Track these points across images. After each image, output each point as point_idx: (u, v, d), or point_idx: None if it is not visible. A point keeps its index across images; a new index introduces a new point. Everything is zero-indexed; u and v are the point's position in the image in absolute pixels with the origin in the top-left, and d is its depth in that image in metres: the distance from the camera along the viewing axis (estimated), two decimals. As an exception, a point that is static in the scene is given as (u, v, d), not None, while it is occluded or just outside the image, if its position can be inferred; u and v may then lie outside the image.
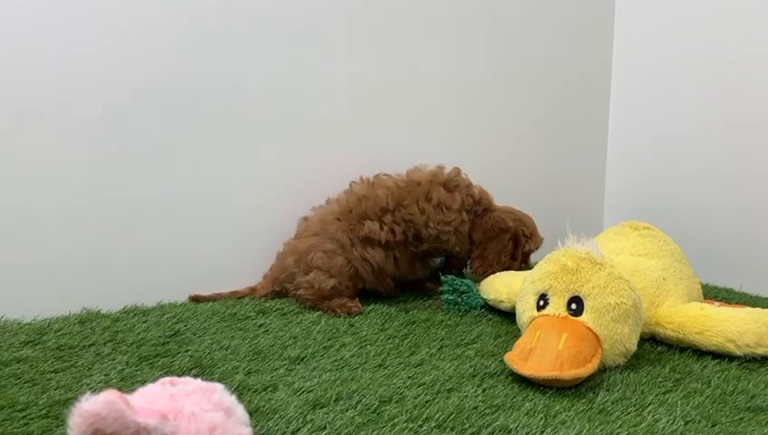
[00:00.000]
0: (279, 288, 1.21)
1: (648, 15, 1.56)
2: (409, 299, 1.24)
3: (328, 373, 0.87)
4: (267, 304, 1.16)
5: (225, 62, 1.21)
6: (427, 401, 0.80)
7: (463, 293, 1.19)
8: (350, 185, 1.24)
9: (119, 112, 1.13)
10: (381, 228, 1.17)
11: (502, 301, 1.14)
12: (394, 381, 0.85)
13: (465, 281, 1.21)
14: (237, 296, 1.21)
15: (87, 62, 1.10)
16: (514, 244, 1.25)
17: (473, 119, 1.50)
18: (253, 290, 1.23)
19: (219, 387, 0.58)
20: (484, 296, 1.18)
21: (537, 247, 1.28)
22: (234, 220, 1.25)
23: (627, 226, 1.15)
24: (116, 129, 1.13)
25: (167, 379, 0.56)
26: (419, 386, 0.84)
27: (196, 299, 1.19)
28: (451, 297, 1.19)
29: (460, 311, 1.17)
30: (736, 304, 1.18)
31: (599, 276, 0.90)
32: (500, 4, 1.49)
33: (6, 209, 1.07)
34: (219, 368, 0.89)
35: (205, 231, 1.23)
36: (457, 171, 1.24)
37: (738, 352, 0.92)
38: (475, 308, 1.18)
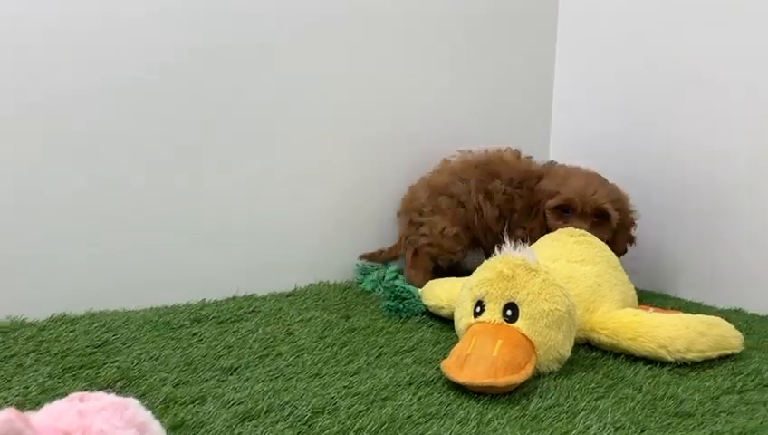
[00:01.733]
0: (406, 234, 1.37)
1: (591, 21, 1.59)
2: (351, 306, 1.23)
3: (261, 384, 0.85)
4: (203, 312, 1.13)
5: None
6: (360, 412, 0.78)
7: (404, 299, 1.19)
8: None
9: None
10: (504, 192, 1.30)
11: (442, 307, 1.13)
12: (329, 391, 0.84)
13: (406, 287, 1.21)
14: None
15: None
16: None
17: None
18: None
19: (133, 402, 0.56)
20: (426, 303, 1.18)
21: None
22: (182, 224, 1.23)
23: (564, 232, 1.16)
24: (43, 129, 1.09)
25: (76, 394, 0.53)
26: (354, 396, 0.82)
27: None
28: (392, 304, 1.18)
29: (401, 317, 1.16)
30: (671, 309, 1.21)
31: (533, 283, 0.90)
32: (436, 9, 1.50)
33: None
34: (146, 380, 0.85)
35: (148, 236, 1.19)
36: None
37: (669, 358, 0.93)
38: (416, 314, 1.18)
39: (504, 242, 0.98)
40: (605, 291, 1.03)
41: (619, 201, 1.26)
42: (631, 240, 1.31)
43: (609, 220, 1.23)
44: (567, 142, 1.65)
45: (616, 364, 0.95)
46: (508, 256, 0.94)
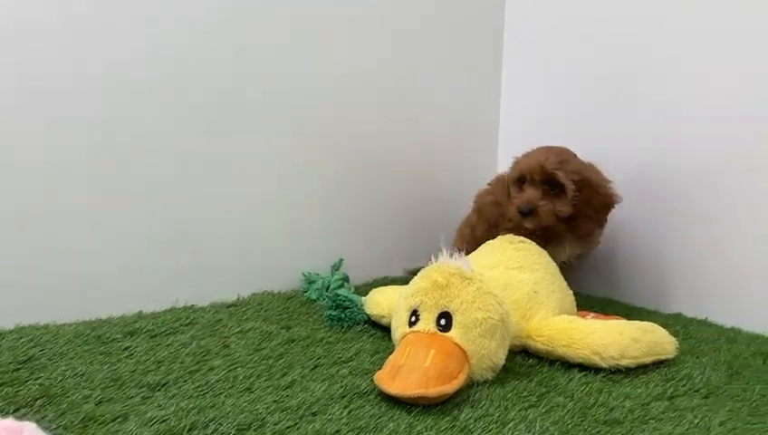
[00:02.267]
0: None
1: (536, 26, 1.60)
2: (294, 316, 1.21)
3: (187, 401, 0.83)
4: (138, 325, 1.10)
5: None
6: (288, 427, 0.76)
7: (346, 308, 1.17)
8: None
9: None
10: None
11: (384, 316, 1.12)
12: (257, 406, 0.82)
13: (349, 296, 1.20)
14: None
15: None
16: None
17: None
18: None
19: (30, 426, 0.53)
20: (368, 312, 1.17)
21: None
22: (122, 232, 1.19)
23: (504, 240, 1.16)
24: None
25: (-34, 421, 0.51)
26: (283, 411, 0.81)
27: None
28: (334, 313, 1.17)
29: (343, 327, 1.15)
30: (613, 314, 1.21)
31: (467, 292, 0.90)
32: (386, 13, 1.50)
33: None
34: (69, 397, 0.82)
35: (85, 245, 1.16)
36: None
37: (603, 364, 0.94)
38: (358, 324, 1.17)
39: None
40: (542, 298, 1.03)
41: (581, 175, 1.18)
42: (601, 223, 1.24)
43: (565, 191, 1.17)
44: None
45: (551, 372, 0.95)
46: (443, 265, 0.94)
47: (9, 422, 0.52)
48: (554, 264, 1.15)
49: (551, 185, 1.17)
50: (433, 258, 0.97)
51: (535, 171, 1.17)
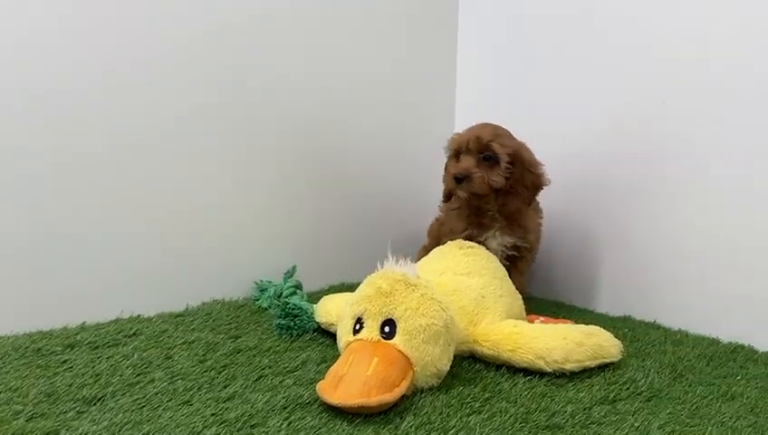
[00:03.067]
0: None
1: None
2: (243, 325, 1.19)
3: (122, 415, 0.80)
4: (79, 337, 1.07)
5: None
6: (224, 440, 0.75)
7: (296, 316, 1.16)
8: None
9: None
10: None
11: (333, 324, 1.11)
12: (195, 419, 0.80)
13: (298, 304, 1.18)
14: None
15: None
16: None
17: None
18: None
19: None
20: (318, 320, 1.15)
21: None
22: (62, 241, 1.16)
23: (453, 245, 1.16)
24: None
25: None
26: (221, 424, 0.79)
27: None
28: (283, 322, 1.15)
29: (292, 335, 1.13)
30: (562, 318, 1.22)
31: (411, 298, 0.89)
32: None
33: None
34: (-2, 414, 0.80)
35: (28, 254, 1.12)
36: None
37: (548, 369, 0.94)
38: (308, 332, 1.15)
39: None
40: (489, 302, 1.03)
41: (515, 151, 1.22)
42: (529, 201, 1.26)
43: (499, 163, 1.21)
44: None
45: (496, 377, 0.95)
46: (388, 272, 0.93)
47: None
48: (503, 268, 1.15)
49: (486, 157, 1.22)
50: (379, 265, 0.96)
51: (471, 141, 1.22)
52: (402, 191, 1.64)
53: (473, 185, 1.20)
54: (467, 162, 1.21)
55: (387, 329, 0.88)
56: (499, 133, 1.23)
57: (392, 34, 1.59)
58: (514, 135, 1.26)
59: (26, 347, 1.02)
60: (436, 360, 0.88)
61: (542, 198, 1.30)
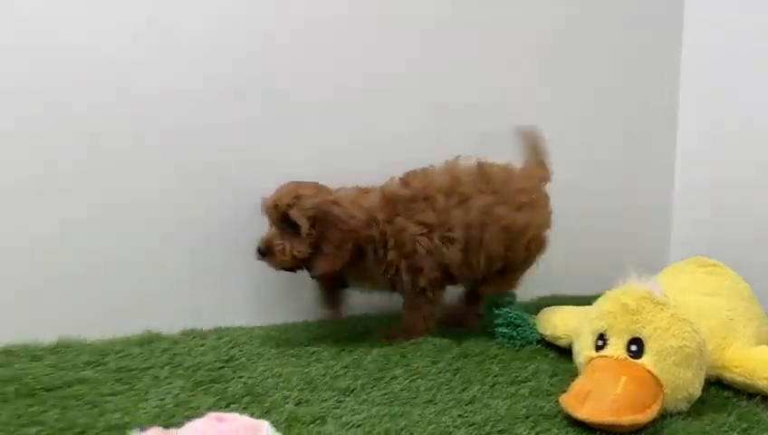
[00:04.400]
0: None
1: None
2: (461, 329, 1.22)
3: (377, 407, 0.87)
4: (320, 331, 1.17)
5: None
6: (477, 443, 0.78)
7: (518, 326, 1.16)
8: None
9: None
10: None
11: (559, 337, 1.10)
12: (444, 418, 0.84)
13: (520, 314, 1.18)
14: None
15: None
16: None
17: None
18: None
19: (265, 425, 0.59)
20: (541, 332, 1.15)
21: None
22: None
23: (692, 262, 1.10)
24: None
25: (213, 414, 0.57)
26: (470, 426, 0.82)
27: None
28: (506, 330, 1.16)
29: (515, 345, 1.14)
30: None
31: (660, 317, 0.86)
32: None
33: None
34: (270, 396, 0.89)
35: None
36: None
37: (814, 402, 0.86)
38: (531, 343, 1.15)
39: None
40: (738, 326, 0.97)
41: (317, 211, 1.07)
42: (343, 258, 1.09)
43: (300, 231, 1.07)
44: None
45: (751, 406, 0.89)
46: (632, 288, 0.91)
47: (248, 419, 0.58)
48: (750, 289, 1.07)
49: (288, 223, 1.08)
50: (620, 280, 0.94)
51: (270, 210, 1.10)
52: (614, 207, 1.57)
53: (275, 258, 1.08)
54: (270, 233, 1.09)
55: (634, 348, 0.86)
56: (300, 194, 1.08)
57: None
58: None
59: (278, 337, 1.14)
60: (688, 383, 0.85)
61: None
